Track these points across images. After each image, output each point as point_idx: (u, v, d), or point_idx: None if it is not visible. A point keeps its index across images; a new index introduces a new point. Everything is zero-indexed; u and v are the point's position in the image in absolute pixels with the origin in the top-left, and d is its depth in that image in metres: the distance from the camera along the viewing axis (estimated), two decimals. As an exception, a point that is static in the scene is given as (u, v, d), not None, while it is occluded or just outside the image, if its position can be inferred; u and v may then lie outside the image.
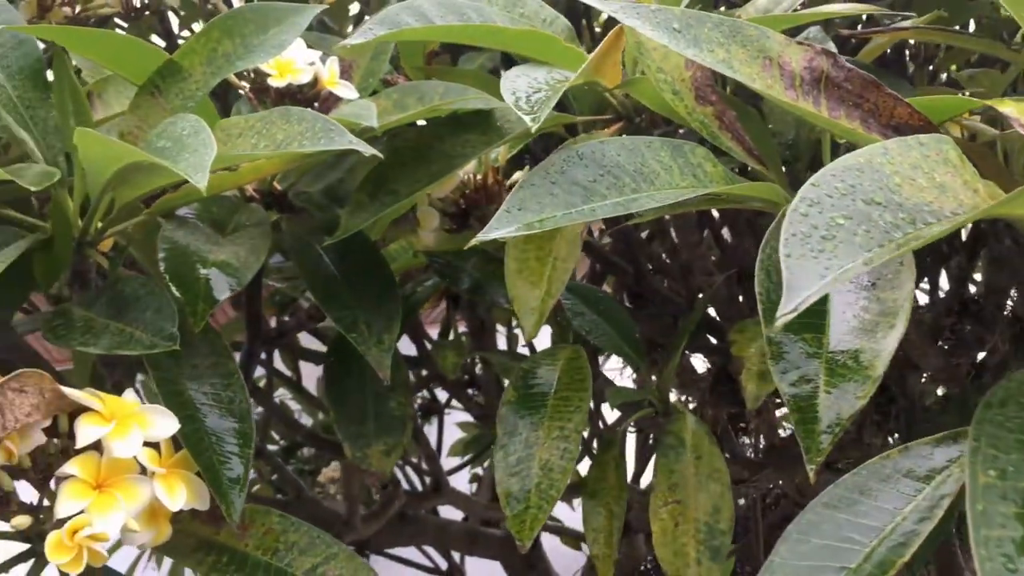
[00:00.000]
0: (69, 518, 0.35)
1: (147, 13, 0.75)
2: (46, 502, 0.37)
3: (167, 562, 1.26)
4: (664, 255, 0.71)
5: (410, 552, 1.23)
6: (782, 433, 0.75)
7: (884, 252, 0.21)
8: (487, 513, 0.98)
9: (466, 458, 1.29)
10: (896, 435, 0.58)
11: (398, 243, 0.60)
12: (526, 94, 0.38)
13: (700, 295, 0.68)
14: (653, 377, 0.55)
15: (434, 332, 0.86)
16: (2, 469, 0.36)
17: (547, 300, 0.43)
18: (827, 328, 0.31)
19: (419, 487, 1.03)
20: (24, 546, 0.39)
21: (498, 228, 0.33)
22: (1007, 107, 0.32)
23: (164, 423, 0.38)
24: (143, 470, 0.38)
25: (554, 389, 0.45)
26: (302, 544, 0.41)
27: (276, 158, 0.45)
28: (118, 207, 0.45)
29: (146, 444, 0.38)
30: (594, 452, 0.62)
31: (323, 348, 0.88)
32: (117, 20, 0.79)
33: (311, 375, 1.01)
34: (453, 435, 1.35)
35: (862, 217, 0.23)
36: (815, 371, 0.30)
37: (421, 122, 0.53)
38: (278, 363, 0.90)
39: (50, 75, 0.47)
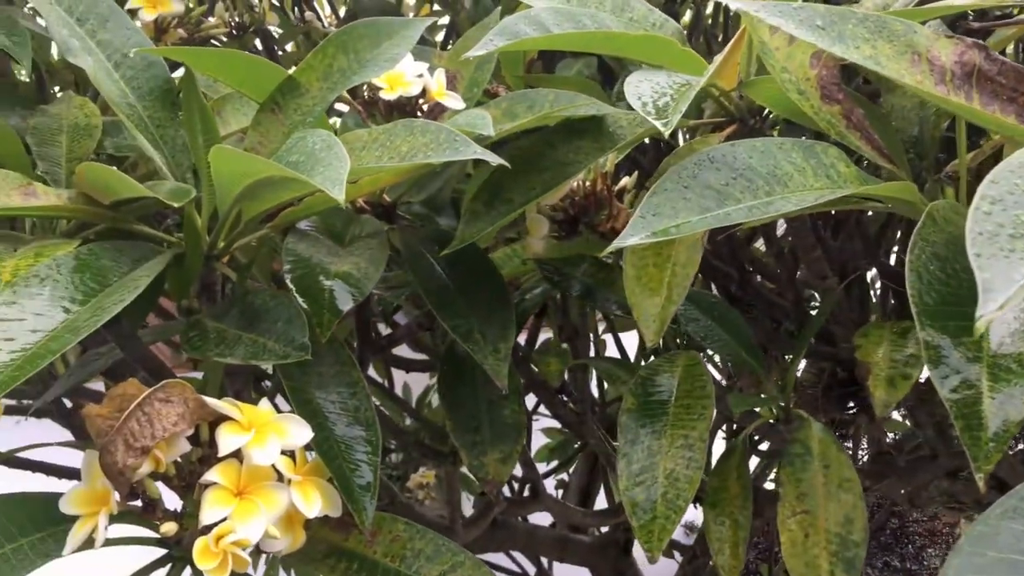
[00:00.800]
0: (213, 525, 0.36)
1: (250, 31, 0.78)
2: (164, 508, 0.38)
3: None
4: (767, 258, 0.69)
5: (498, 557, 1.23)
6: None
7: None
8: (577, 520, 0.97)
9: (552, 464, 1.29)
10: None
11: (502, 250, 0.60)
12: (652, 99, 0.38)
13: (806, 299, 0.66)
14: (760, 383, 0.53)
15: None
16: (149, 477, 0.37)
17: (668, 307, 0.43)
18: (987, 330, 0.30)
19: (506, 493, 1.03)
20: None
21: (633, 234, 0.33)
22: None
23: (299, 432, 0.39)
24: (280, 477, 0.39)
25: (675, 396, 0.45)
26: (428, 551, 0.42)
27: (394, 170, 0.46)
28: (244, 221, 0.46)
29: (282, 452, 0.39)
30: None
31: (410, 354, 0.89)
32: (215, 40, 0.82)
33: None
34: (538, 441, 1.35)
35: (1050, 214, 0.22)
36: (977, 375, 0.29)
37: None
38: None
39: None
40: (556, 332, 0.75)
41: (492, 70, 0.58)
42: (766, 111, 0.47)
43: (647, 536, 0.40)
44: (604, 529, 1.21)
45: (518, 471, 1.04)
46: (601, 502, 1.24)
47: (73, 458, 0.97)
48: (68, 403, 0.97)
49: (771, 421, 0.48)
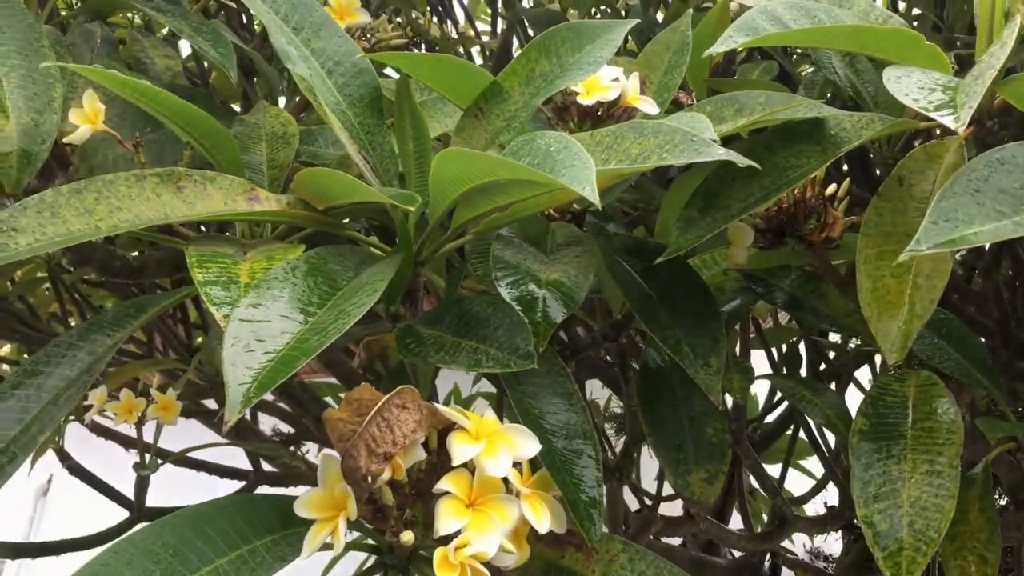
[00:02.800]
0: (450, 536, 0.35)
1: (416, 42, 0.78)
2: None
3: None
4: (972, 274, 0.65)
5: None
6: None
7: None
8: (732, 543, 0.94)
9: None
10: None
11: (698, 258, 0.58)
12: (923, 95, 0.35)
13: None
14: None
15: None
16: (387, 485, 0.37)
17: (912, 321, 0.40)
18: None
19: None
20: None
21: (926, 241, 0.30)
22: None
23: (528, 443, 0.38)
24: (508, 490, 0.37)
25: (912, 418, 0.41)
26: (650, 574, 0.40)
27: (612, 174, 0.44)
28: (453, 227, 0.45)
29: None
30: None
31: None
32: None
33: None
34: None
35: None
36: None
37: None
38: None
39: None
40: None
41: (682, 75, 0.57)
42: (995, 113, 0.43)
43: (894, 567, 0.37)
44: (738, 553, 1.17)
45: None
46: (735, 523, 1.19)
47: (223, 457, 1.00)
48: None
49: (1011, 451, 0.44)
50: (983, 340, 0.62)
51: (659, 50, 0.57)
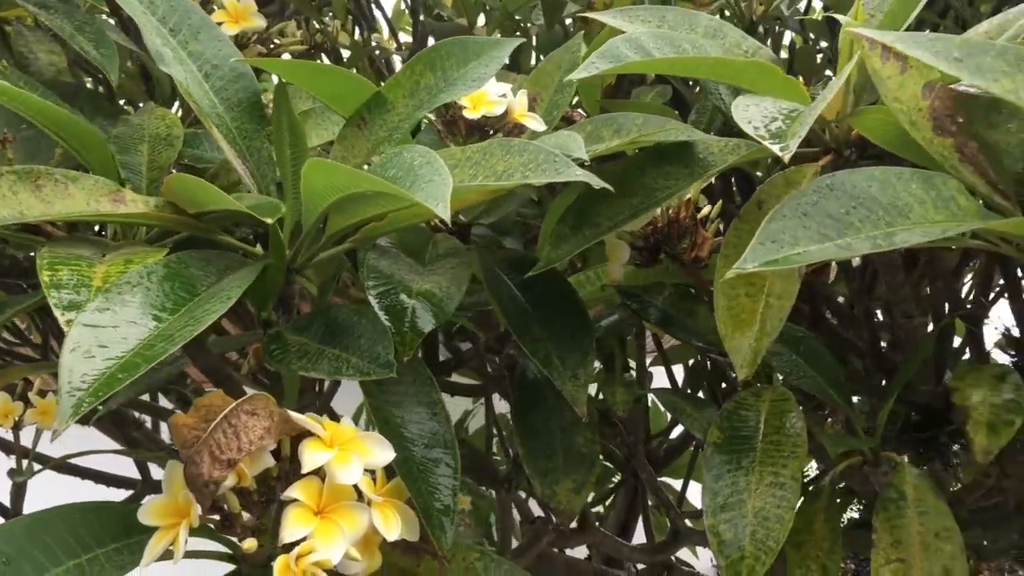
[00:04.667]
0: (294, 543, 0.35)
1: (321, 50, 0.78)
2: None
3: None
4: (843, 296, 0.67)
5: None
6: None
7: None
8: (625, 555, 0.95)
9: (591, 497, 1.26)
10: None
11: (579, 275, 0.59)
12: (763, 123, 0.37)
13: (882, 338, 0.64)
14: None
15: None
16: (231, 491, 0.36)
17: (762, 339, 0.41)
18: None
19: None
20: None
21: (752, 260, 0.31)
22: None
23: (382, 451, 0.38)
24: (359, 497, 0.38)
25: (762, 433, 0.43)
26: (507, 584, 0.40)
27: (480, 189, 0.45)
28: (326, 236, 0.45)
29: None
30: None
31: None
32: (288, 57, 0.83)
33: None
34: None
35: None
36: None
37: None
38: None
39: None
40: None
41: (572, 94, 0.58)
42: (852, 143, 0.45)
43: (734, 575, 0.38)
44: (640, 565, 1.19)
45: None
46: (639, 537, 1.21)
47: (117, 466, 0.97)
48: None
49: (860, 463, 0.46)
50: (858, 360, 0.65)
51: (550, 69, 0.59)
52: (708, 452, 0.43)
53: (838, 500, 0.47)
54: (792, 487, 0.40)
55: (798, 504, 0.40)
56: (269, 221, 0.39)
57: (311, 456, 0.36)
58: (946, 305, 0.63)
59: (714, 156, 0.47)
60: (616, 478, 1.18)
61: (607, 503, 1.31)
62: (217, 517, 0.37)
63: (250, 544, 0.36)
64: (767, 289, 0.43)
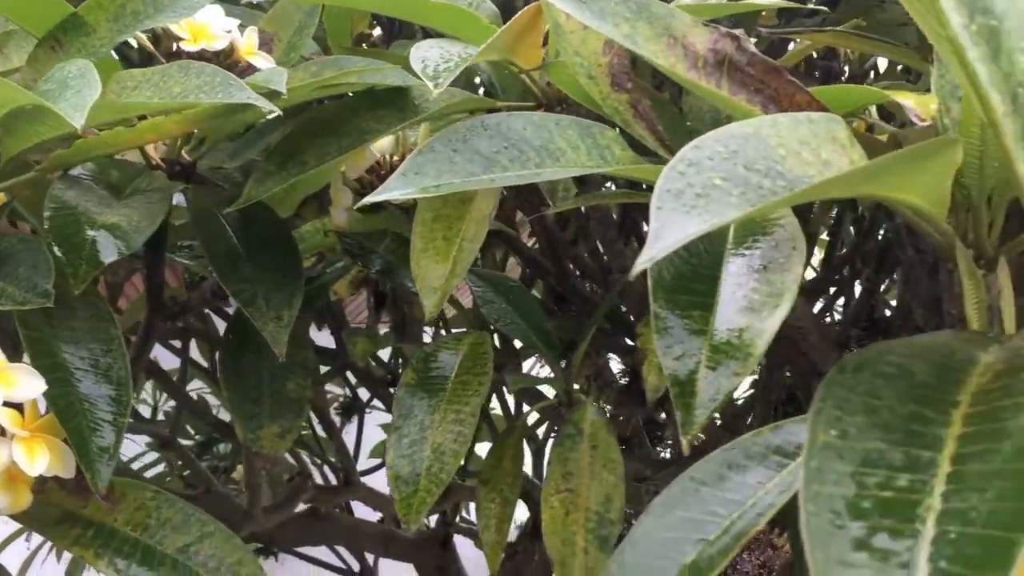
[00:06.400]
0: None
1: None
2: None
3: (66, 557, 1.20)
4: (586, 256, 0.71)
5: (322, 552, 1.20)
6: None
7: (756, 207, 0.21)
8: (394, 510, 0.96)
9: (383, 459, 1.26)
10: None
11: (311, 224, 0.58)
12: (435, 64, 0.37)
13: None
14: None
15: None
16: None
17: (451, 279, 0.42)
18: (715, 307, 0.31)
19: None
20: None
21: (392, 190, 0.32)
22: (906, 98, 0.33)
23: (30, 383, 0.36)
24: (2, 432, 0.35)
25: (455, 373, 0.44)
26: (176, 521, 0.39)
27: (179, 119, 0.43)
28: (4, 160, 0.42)
29: (9, 405, 0.36)
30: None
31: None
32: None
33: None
34: (377, 436, 1.32)
35: (740, 180, 0.23)
36: (698, 348, 0.30)
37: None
38: (195, 353, 0.87)
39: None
40: (378, 321, 0.74)
41: (311, 35, 0.57)
42: (560, 98, 0.47)
43: (406, 509, 0.39)
44: (432, 524, 1.21)
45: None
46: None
47: None
48: None
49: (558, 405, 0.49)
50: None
51: (290, 9, 0.57)
52: (400, 394, 0.43)
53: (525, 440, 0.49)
54: (470, 422, 0.41)
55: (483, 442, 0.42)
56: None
57: (-62, 387, 0.34)
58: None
59: (429, 103, 0.47)
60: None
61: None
62: None
63: None
64: (463, 233, 0.44)
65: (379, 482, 1.12)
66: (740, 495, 0.24)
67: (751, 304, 0.31)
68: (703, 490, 0.25)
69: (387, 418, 1.23)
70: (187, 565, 0.38)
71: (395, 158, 0.53)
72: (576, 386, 0.54)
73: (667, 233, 0.20)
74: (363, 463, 1.01)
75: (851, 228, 0.78)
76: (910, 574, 0.15)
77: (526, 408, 0.66)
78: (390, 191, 0.32)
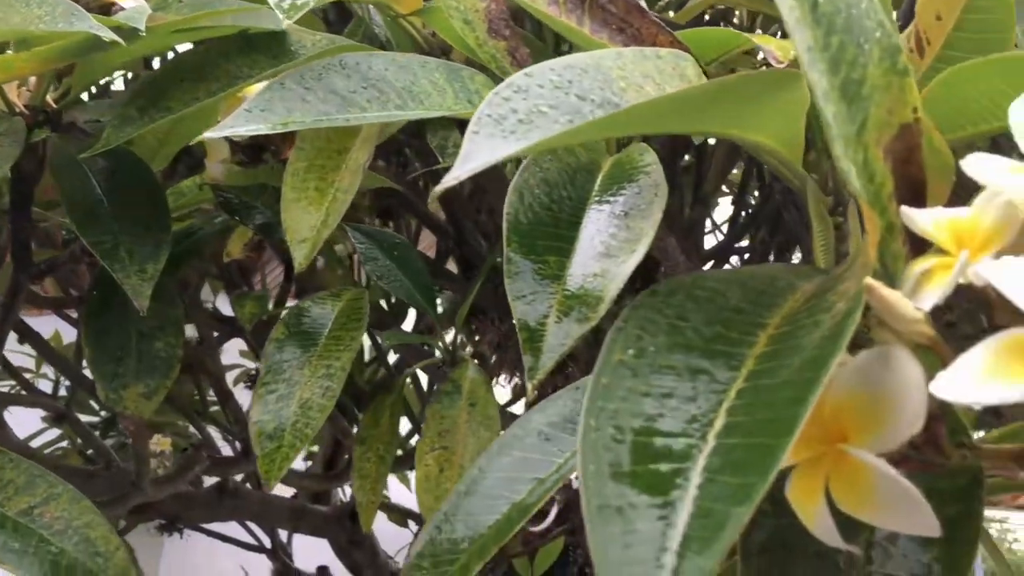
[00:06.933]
0: None
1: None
2: None
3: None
4: (483, 216, 0.70)
5: (231, 528, 1.17)
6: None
7: (568, 130, 0.20)
8: (294, 483, 0.94)
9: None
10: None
11: (193, 180, 0.56)
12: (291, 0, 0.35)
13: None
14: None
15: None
16: None
17: (323, 230, 0.41)
18: (573, 253, 0.30)
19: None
20: None
21: (234, 127, 0.30)
22: (768, 43, 0.32)
23: None
24: None
25: (328, 329, 0.43)
26: (20, 483, 0.37)
27: (29, 57, 0.41)
28: None
29: None
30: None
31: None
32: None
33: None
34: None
35: (570, 109, 0.22)
36: (551, 293, 0.29)
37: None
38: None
39: None
40: (289, 293, 0.72)
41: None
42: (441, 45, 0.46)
43: (268, 465, 0.37)
44: (347, 499, 1.19)
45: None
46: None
47: None
48: None
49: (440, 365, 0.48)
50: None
51: (167, -50, 0.54)
52: (269, 349, 0.42)
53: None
54: (339, 376, 0.40)
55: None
56: None
57: None
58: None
59: (306, 48, 0.45)
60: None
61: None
62: None
63: None
64: (337, 184, 0.42)
65: (299, 461, 1.10)
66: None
67: (608, 250, 0.30)
68: (544, 431, 0.24)
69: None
70: (30, 527, 0.36)
71: (275, 108, 0.50)
72: (471, 349, 0.53)
73: (477, 156, 0.19)
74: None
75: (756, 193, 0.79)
76: (683, 485, 0.14)
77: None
78: (232, 128, 0.30)
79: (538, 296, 0.29)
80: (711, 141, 0.69)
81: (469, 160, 0.19)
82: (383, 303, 0.73)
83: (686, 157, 0.73)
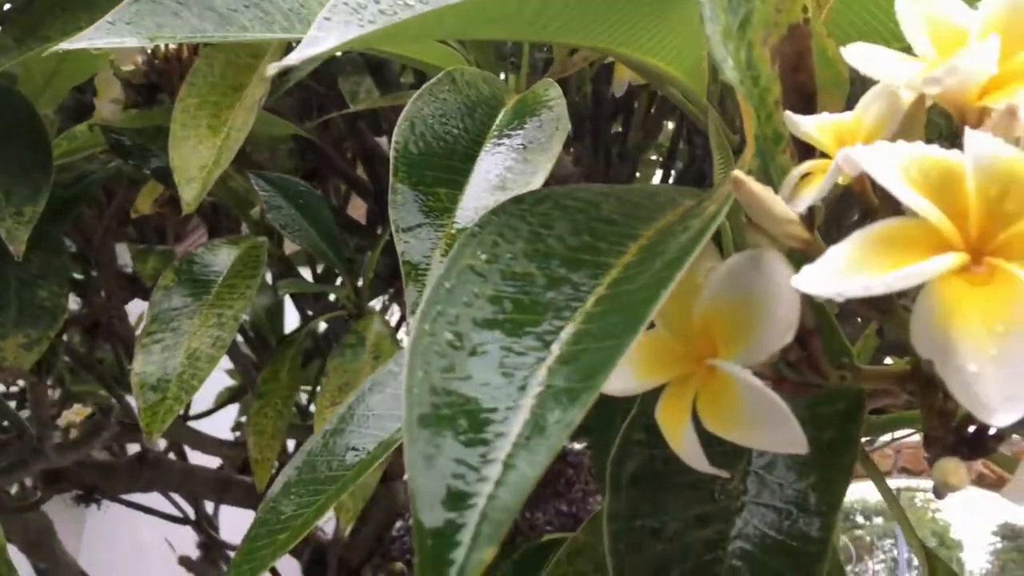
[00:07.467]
0: None
1: None
2: None
3: None
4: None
5: (154, 500, 1.13)
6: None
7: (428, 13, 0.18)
8: (213, 450, 0.91)
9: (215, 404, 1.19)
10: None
11: (85, 124, 0.52)
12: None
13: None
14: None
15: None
16: None
17: (214, 169, 0.38)
18: (466, 185, 0.29)
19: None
20: None
21: (92, 39, 0.27)
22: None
23: None
24: None
25: (223, 277, 0.40)
26: None
27: None
28: None
29: None
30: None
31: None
32: None
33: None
34: (223, 381, 1.25)
35: (441, 3, 0.20)
36: (440, 225, 0.27)
37: None
38: None
39: None
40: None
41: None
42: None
43: (151, 418, 0.35)
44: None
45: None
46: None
47: None
48: None
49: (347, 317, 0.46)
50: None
51: None
52: (156, 296, 0.39)
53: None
54: (231, 326, 0.38)
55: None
56: None
57: None
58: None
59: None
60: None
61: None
62: None
63: None
64: (231, 122, 0.40)
65: (213, 426, 1.07)
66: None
67: (504, 183, 0.29)
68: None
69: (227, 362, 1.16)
70: None
71: (171, 47, 0.47)
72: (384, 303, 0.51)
73: (324, 41, 0.17)
74: (196, 406, 0.95)
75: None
76: (519, 395, 0.12)
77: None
78: (90, 40, 0.27)
79: (424, 229, 0.27)
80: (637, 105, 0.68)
81: (313, 45, 0.17)
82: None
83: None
